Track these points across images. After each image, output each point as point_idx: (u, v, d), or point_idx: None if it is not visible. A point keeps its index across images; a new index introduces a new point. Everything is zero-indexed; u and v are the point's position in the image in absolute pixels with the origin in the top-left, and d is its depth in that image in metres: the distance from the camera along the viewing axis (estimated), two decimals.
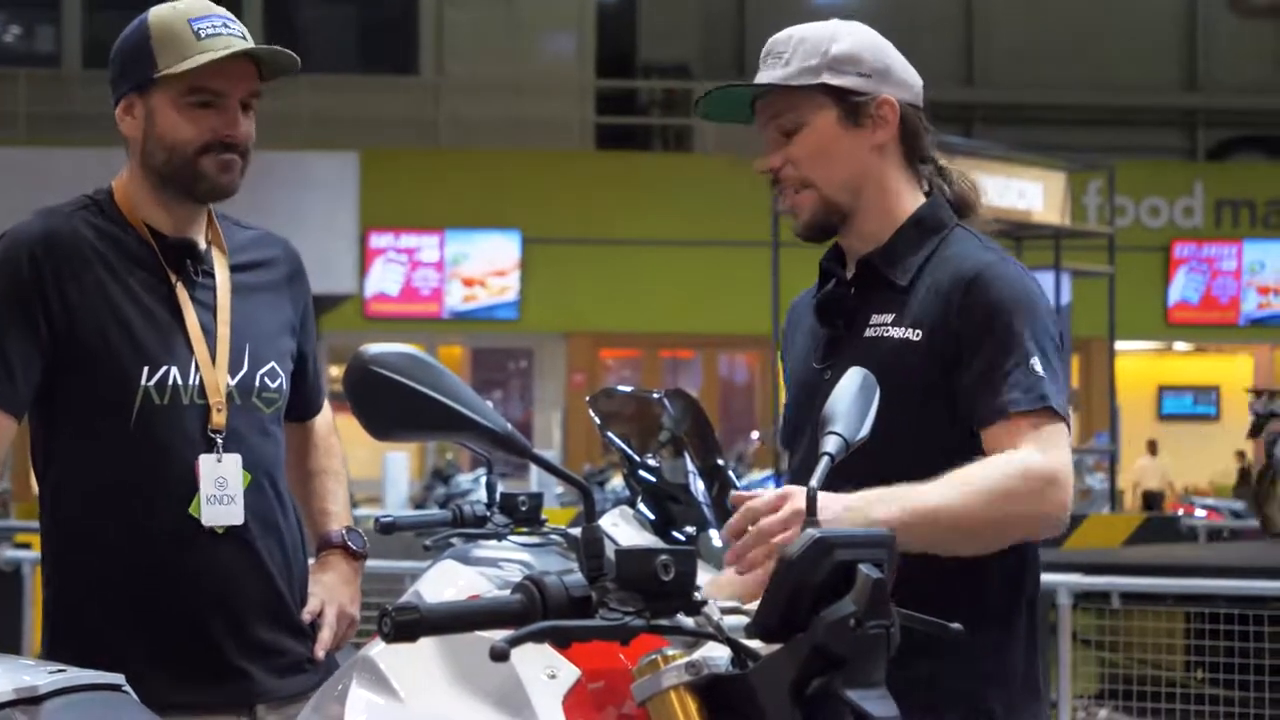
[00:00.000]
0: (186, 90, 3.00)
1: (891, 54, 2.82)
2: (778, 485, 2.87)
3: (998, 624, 2.70)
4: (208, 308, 3.07)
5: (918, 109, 2.83)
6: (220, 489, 3.00)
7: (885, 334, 2.73)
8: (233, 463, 3.01)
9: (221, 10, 3.07)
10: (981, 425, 2.65)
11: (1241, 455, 23.84)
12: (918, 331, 2.70)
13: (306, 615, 3.11)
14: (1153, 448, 23.40)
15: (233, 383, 3.04)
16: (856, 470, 2.37)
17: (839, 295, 2.82)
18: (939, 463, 2.57)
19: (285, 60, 3.05)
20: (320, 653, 3.09)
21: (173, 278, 3.05)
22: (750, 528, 2.38)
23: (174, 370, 3.00)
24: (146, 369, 2.99)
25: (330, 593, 3.16)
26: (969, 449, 2.64)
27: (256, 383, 3.07)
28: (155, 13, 3.05)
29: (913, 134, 2.82)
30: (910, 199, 2.82)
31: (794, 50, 2.78)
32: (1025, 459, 2.58)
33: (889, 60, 2.81)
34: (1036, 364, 2.64)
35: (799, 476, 2.77)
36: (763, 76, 2.80)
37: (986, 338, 2.66)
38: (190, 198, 3.07)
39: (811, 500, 2.17)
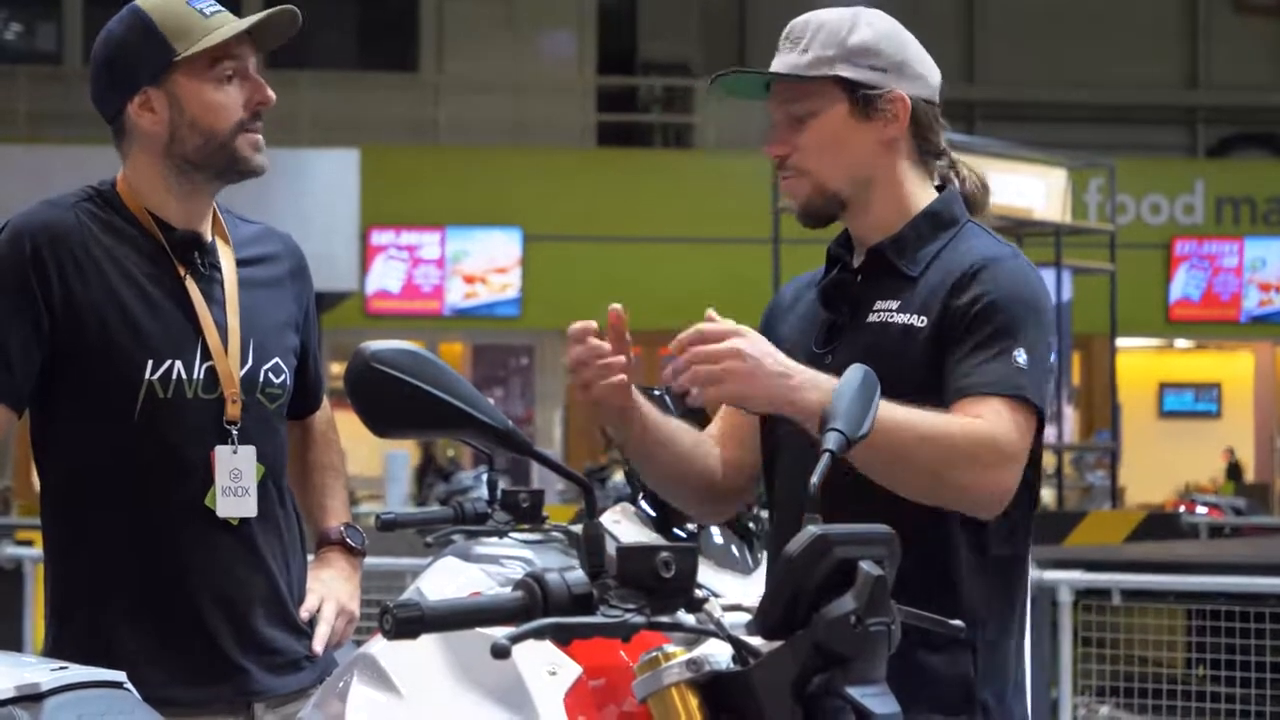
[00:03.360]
0: (210, 64, 2.98)
1: (911, 47, 2.78)
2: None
3: (994, 622, 2.69)
4: (217, 301, 3.04)
5: (932, 104, 2.79)
6: (235, 480, 2.99)
7: (890, 320, 2.70)
8: (247, 454, 3.00)
9: None
10: (951, 400, 2.60)
11: (1230, 452, 23.83)
12: (923, 318, 2.67)
13: (305, 612, 3.09)
14: None
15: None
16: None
17: (845, 281, 2.80)
18: None
19: (287, 22, 3.03)
20: (318, 649, 3.07)
21: (181, 270, 3.03)
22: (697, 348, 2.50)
23: (178, 364, 2.98)
24: (150, 362, 2.97)
25: (329, 589, 3.14)
26: None
27: (261, 378, 3.05)
28: (146, 4, 3.02)
29: (924, 130, 2.78)
30: (922, 191, 2.80)
31: (812, 37, 2.74)
32: (988, 428, 2.55)
33: (906, 54, 2.76)
34: (1020, 357, 2.60)
35: (782, 454, 2.79)
36: (778, 62, 2.77)
37: (977, 326, 2.62)
38: (220, 180, 3.05)
39: (812, 500, 2.16)
